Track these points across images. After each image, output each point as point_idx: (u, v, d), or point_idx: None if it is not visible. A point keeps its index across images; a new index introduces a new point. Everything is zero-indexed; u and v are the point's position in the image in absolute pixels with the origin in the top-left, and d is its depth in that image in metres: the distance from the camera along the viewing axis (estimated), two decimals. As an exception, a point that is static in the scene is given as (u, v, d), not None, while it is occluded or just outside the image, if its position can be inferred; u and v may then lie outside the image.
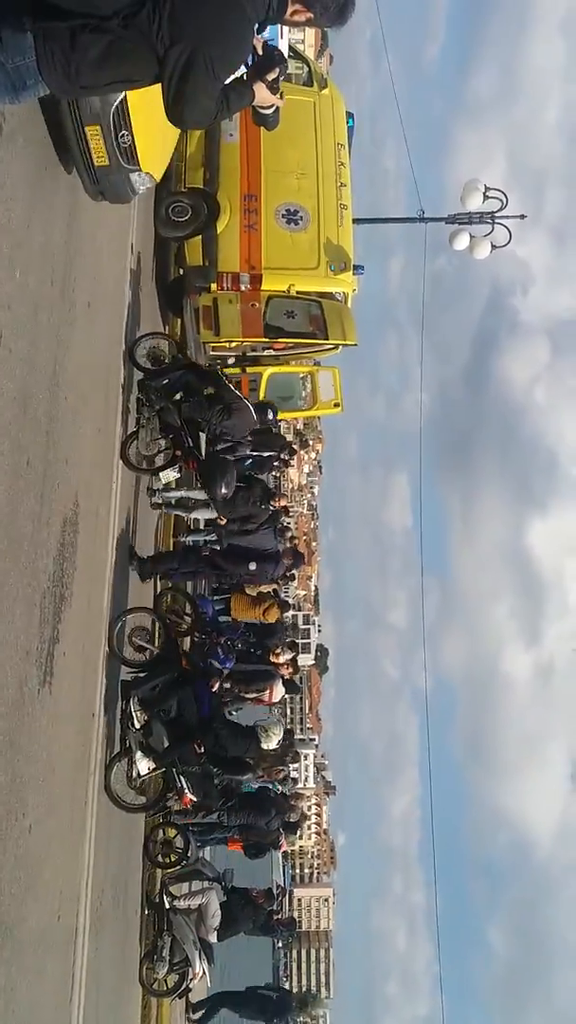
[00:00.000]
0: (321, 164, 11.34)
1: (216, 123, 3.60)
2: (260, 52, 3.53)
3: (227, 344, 11.90)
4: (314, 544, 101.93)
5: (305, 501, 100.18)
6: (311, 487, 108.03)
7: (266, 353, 12.58)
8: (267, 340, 11.74)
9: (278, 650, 10.77)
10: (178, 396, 8.34)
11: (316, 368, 13.37)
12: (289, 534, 12.48)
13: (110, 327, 7.29)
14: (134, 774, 7.20)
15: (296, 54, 12.43)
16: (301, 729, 68.60)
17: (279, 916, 11.66)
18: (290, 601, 23.52)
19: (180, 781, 7.77)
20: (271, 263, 10.98)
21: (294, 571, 11.50)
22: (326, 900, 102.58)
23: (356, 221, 12.49)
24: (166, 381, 8.28)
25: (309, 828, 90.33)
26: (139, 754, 7.15)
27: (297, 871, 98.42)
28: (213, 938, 9.10)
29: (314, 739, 77.01)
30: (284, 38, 11.68)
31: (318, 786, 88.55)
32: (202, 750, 7.68)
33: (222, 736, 8.16)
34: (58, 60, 3.11)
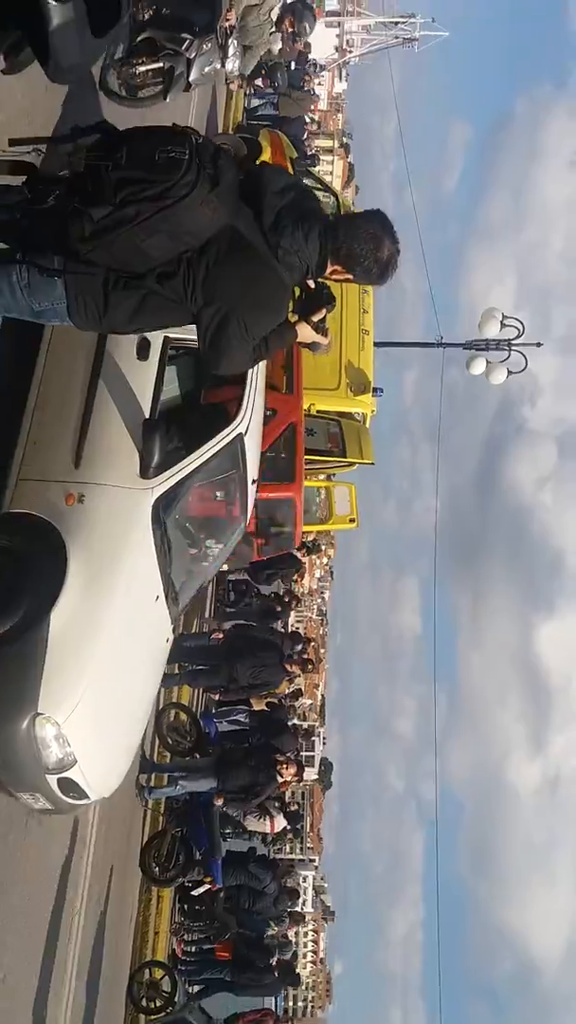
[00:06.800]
0: (345, 291, 11.72)
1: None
2: (309, 289, 3.37)
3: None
4: (323, 651, 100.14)
5: (315, 606, 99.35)
6: (321, 592, 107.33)
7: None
8: (287, 456, 11.83)
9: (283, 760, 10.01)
10: None
11: (333, 484, 13.45)
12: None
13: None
14: None
15: (323, 185, 13.04)
16: (301, 849, 65.51)
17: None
18: (296, 708, 22.76)
19: None
20: (294, 383, 11.19)
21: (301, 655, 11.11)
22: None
23: (377, 344, 12.80)
24: None
25: (305, 957, 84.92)
26: None
27: (290, 1003, 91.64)
28: None
29: (314, 860, 73.39)
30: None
31: (316, 911, 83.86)
32: None
33: None
34: (91, 312, 3.07)
